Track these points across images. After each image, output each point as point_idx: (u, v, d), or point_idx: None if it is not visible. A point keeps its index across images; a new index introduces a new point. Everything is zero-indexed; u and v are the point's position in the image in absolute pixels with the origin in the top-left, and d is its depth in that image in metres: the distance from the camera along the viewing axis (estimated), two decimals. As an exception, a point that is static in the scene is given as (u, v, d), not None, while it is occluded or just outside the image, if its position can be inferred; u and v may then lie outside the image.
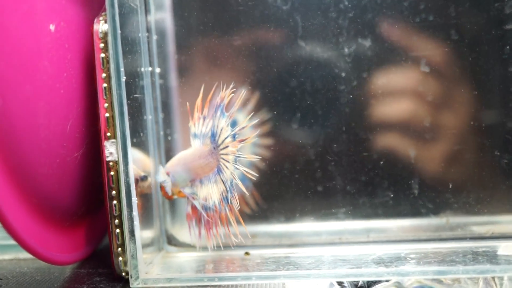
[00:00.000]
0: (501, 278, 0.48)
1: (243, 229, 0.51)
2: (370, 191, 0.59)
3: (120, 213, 0.51)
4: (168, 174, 0.51)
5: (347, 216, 0.60)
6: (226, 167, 0.50)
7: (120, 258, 0.51)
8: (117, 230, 0.51)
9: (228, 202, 0.51)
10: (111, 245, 0.51)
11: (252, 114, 0.57)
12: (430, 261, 0.51)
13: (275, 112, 0.59)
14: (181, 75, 0.60)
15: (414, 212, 0.59)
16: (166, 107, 0.60)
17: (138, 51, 0.54)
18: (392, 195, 0.59)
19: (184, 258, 0.57)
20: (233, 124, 0.56)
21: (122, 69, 0.49)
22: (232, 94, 0.50)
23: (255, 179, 0.52)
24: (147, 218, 0.55)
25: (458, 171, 0.58)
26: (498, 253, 0.52)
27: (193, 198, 0.51)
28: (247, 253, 0.57)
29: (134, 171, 0.50)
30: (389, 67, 0.58)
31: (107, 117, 0.50)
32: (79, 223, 0.56)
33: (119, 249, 0.51)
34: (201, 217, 0.52)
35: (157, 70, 0.59)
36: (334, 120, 0.58)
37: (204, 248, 0.53)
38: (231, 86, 0.50)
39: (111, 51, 0.48)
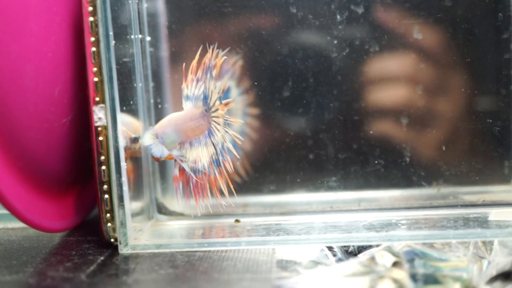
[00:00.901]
0: (491, 243, 0.48)
1: (233, 197, 0.51)
2: (361, 160, 0.59)
3: (109, 178, 0.50)
4: (156, 135, 0.51)
5: (338, 185, 0.59)
6: (217, 129, 0.50)
7: (109, 224, 0.51)
8: (106, 196, 0.50)
9: (218, 165, 0.50)
10: (100, 211, 0.51)
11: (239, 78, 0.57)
12: (421, 227, 0.51)
13: (265, 80, 0.59)
14: (172, 45, 0.59)
15: (406, 180, 0.59)
16: (157, 76, 0.59)
17: (127, 18, 0.53)
18: (383, 163, 0.58)
19: (174, 226, 0.57)
20: (227, 92, 0.56)
21: (111, 33, 0.48)
22: (225, 57, 0.50)
23: (240, 143, 0.52)
24: (137, 186, 0.54)
25: (450, 139, 0.58)
26: (489, 218, 0.52)
27: (182, 160, 0.51)
28: (237, 221, 0.56)
29: (124, 133, 0.49)
30: (380, 38, 0.57)
31: (96, 82, 0.49)
32: (69, 191, 0.56)
33: (108, 215, 0.51)
34: (189, 180, 0.51)
35: (148, 38, 0.58)
36: (324, 87, 0.58)
37: (193, 212, 0.52)
38: (215, 48, 0.49)
39: (100, 14, 0.48)
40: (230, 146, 0.50)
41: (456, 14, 0.57)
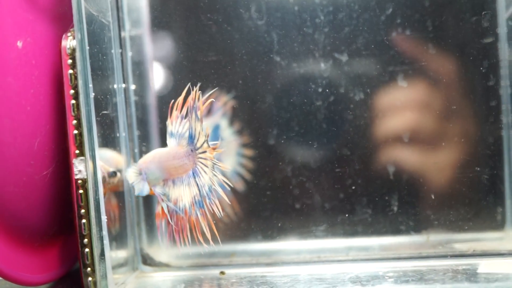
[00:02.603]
0: (480, 297, 0.47)
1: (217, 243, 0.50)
2: (349, 209, 0.58)
3: (89, 232, 0.49)
4: (140, 170, 0.50)
5: (326, 234, 0.58)
6: (204, 171, 0.49)
7: (90, 278, 0.50)
8: (86, 250, 0.50)
9: (201, 206, 0.49)
10: (81, 265, 0.50)
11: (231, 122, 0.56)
12: (408, 280, 0.50)
13: (253, 127, 0.58)
14: (159, 92, 0.59)
15: (394, 229, 0.58)
16: (142, 124, 0.59)
17: (110, 67, 0.53)
18: (371, 212, 0.57)
19: (159, 278, 0.56)
20: (216, 130, 0.55)
21: (90, 85, 0.48)
22: (211, 100, 0.49)
23: (229, 188, 0.50)
24: (121, 237, 0.54)
25: (439, 187, 0.57)
26: (478, 271, 0.51)
27: (162, 200, 0.50)
28: (222, 273, 0.55)
29: (102, 167, 0.49)
30: (367, 83, 0.57)
31: (75, 134, 0.49)
32: (51, 243, 0.55)
33: (89, 269, 0.50)
34: (171, 218, 0.50)
35: (132, 87, 0.58)
36: (311, 137, 0.58)
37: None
38: (197, 89, 0.49)
39: (79, 67, 0.48)
40: (220, 189, 0.49)
41: (441, 63, 0.56)
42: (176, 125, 0.50)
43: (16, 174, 0.48)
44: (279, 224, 0.59)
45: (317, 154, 0.58)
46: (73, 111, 0.49)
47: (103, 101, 0.51)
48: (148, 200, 0.59)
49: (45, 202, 0.52)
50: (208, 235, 0.49)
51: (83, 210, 0.49)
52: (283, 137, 0.58)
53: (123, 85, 0.56)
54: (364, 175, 0.58)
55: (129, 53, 0.58)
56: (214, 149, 0.49)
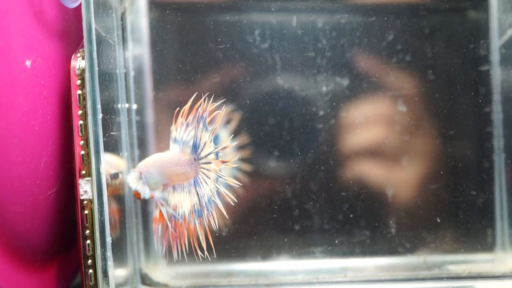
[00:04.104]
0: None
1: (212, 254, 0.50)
2: (347, 230, 0.59)
3: (93, 253, 0.49)
4: (140, 174, 0.50)
5: (324, 255, 0.59)
6: (206, 182, 0.49)
7: (93, 300, 0.50)
8: (90, 271, 0.49)
9: (199, 215, 0.49)
10: (83, 286, 0.50)
11: (233, 135, 0.57)
12: (408, 302, 0.51)
13: (252, 150, 0.59)
14: (158, 112, 0.60)
15: (391, 251, 0.59)
16: (142, 143, 0.59)
17: (115, 87, 0.54)
18: (369, 234, 0.59)
19: (158, 298, 0.56)
20: (215, 140, 0.55)
21: (99, 107, 0.48)
22: (217, 111, 0.49)
23: (233, 204, 0.50)
24: (121, 256, 0.54)
25: (435, 210, 0.58)
26: (475, 293, 0.52)
27: (162, 204, 0.50)
28: (223, 294, 0.56)
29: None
30: (366, 106, 0.58)
31: (82, 155, 0.49)
32: (50, 262, 0.55)
33: (92, 290, 0.50)
34: (168, 224, 0.50)
35: (134, 106, 0.58)
36: (311, 158, 0.58)
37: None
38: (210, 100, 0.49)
39: (88, 88, 0.47)
40: (220, 203, 0.49)
41: (437, 88, 0.58)
42: (180, 131, 0.49)
43: (23, 194, 0.47)
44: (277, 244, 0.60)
45: (317, 176, 0.59)
46: (81, 131, 0.49)
47: (109, 121, 0.51)
48: (146, 219, 0.59)
49: (48, 222, 0.51)
50: (204, 246, 0.49)
51: (88, 231, 0.49)
52: (284, 157, 0.59)
53: (126, 105, 0.56)
54: (364, 198, 0.59)
55: (132, 73, 0.58)
56: (222, 162, 0.49)
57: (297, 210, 0.59)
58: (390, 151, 0.58)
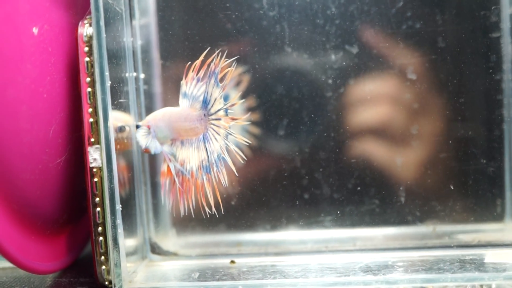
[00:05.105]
0: (489, 286, 0.48)
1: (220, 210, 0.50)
2: (356, 199, 0.59)
3: (103, 220, 0.49)
4: (149, 128, 0.50)
5: (333, 224, 0.59)
6: (216, 139, 0.49)
7: (103, 267, 0.50)
8: (100, 238, 0.50)
9: (207, 171, 0.49)
10: (94, 253, 0.50)
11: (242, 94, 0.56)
12: (418, 269, 0.51)
13: (261, 118, 0.59)
14: (165, 81, 0.59)
15: (401, 220, 0.59)
16: (150, 112, 0.59)
17: (122, 56, 0.53)
18: (378, 203, 0.58)
19: (168, 266, 0.56)
20: (225, 98, 0.55)
21: (107, 74, 0.47)
22: (229, 68, 0.48)
23: (243, 162, 0.49)
24: (130, 225, 0.54)
25: (445, 179, 0.58)
26: (485, 260, 0.52)
27: (169, 160, 0.50)
28: (232, 262, 0.56)
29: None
30: (374, 76, 0.58)
31: (91, 122, 0.49)
32: (61, 231, 0.55)
33: (102, 257, 0.50)
34: (175, 179, 0.50)
35: (142, 75, 0.58)
36: (320, 126, 0.58)
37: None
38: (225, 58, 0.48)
39: (96, 55, 0.47)
40: (230, 160, 0.49)
41: (449, 55, 0.57)
42: (190, 86, 0.49)
43: (32, 162, 0.47)
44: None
45: (326, 144, 0.58)
46: (89, 99, 0.49)
47: (118, 89, 0.51)
48: (154, 188, 0.59)
49: (58, 190, 0.51)
50: (212, 202, 0.49)
51: (97, 199, 0.49)
52: (292, 125, 0.59)
53: (134, 74, 0.56)
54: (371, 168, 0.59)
55: (139, 42, 0.58)
56: (232, 119, 0.48)
57: (306, 178, 0.59)
58: (400, 120, 0.58)
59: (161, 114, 0.50)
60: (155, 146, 0.50)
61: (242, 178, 0.59)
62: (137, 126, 0.50)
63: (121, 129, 0.51)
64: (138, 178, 0.56)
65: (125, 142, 0.53)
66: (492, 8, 0.56)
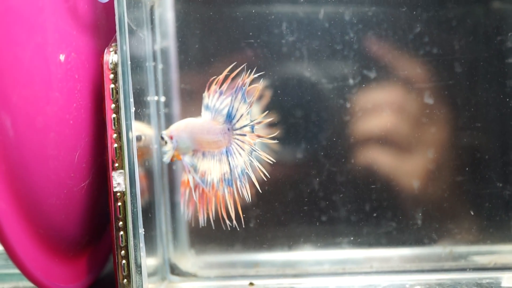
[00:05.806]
0: (507, 311, 0.49)
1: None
2: (373, 221, 0.59)
3: (126, 244, 0.50)
4: (171, 138, 0.50)
5: (350, 245, 0.60)
6: (240, 154, 0.49)
7: (126, 290, 0.51)
8: (123, 261, 0.50)
9: (229, 184, 0.49)
10: (117, 277, 0.51)
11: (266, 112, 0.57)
12: (436, 293, 0.51)
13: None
14: (185, 103, 0.60)
15: (417, 242, 0.59)
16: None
17: (145, 80, 0.54)
18: (395, 225, 0.59)
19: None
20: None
21: (131, 100, 0.48)
22: (255, 85, 0.49)
23: (266, 180, 0.49)
24: (151, 247, 0.54)
25: (461, 202, 0.59)
26: (502, 284, 0.53)
27: (189, 171, 0.50)
28: (251, 284, 0.56)
29: None
30: (394, 98, 0.59)
31: (116, 148, 0.50)
32: (82, 252, 0.56)
33: (125, 280, 0.51)
34: (196, 188, 0.50)
35: (162, 99, 0.59)
36: (339, 150, 0.59)
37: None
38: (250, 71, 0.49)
39: (121, 82, 0.48)
40: (253, 176, 0.49)
41: (465, 80, 0.58)
42: (213, 99, 0.49)
43: (58, 187, 0.48)
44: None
45: (344, 167, 0.59)
46: (114, 125, 0.50)
47: (141, 115, 0.52)
48: (173, 209, 0.60)
49: (81, 213, 0.52)
50: (233, 215, 0.49)
51: (121, 223, 0.50)
52: (309, 152, 0.59)
53: (156, 98, 0.57)
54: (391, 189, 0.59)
55: (160, 66, 0.59)
56: (258, 136, 0.49)
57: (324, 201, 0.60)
58: (417, 143, 0.59)
59: (184, 125, 0.51)
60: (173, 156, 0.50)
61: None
62: (162, 138, 0.51)
63: (137, 138, 0.51)
64: (159, 200, 0.57)
65: (143, 150, 0.54)
66: (509, 34, 0.57)
